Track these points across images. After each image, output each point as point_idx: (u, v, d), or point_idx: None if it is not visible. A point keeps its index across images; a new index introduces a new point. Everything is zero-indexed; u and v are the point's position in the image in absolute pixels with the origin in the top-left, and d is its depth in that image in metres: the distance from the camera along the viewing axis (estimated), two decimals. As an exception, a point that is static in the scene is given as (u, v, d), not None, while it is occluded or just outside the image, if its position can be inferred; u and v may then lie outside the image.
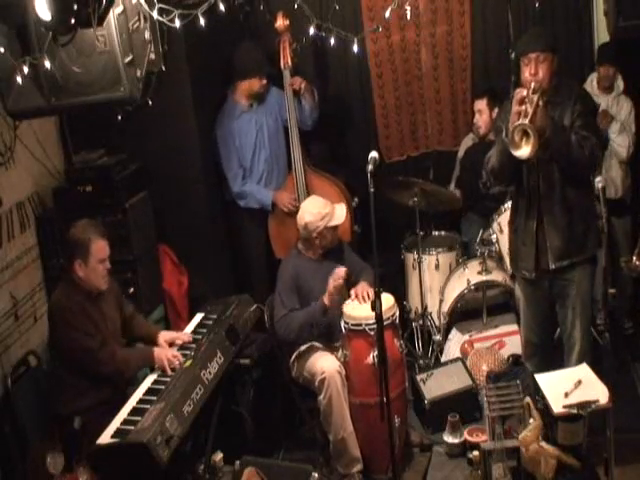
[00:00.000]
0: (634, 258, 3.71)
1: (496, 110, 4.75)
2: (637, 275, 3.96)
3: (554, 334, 4.20)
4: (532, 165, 3.71)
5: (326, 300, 4.00)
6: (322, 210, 4.14)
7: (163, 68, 4.02)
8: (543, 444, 3.41)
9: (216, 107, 5.01)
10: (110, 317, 3.82)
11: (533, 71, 3.60)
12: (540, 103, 3.48)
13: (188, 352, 3.72)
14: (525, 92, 3.50)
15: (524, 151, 3.43)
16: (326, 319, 4.05)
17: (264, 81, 4.89)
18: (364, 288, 4.11)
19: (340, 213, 4.18)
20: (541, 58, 3.61)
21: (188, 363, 3.60)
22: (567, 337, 3.98)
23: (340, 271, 4.02)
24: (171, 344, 3.85)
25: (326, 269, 4.19)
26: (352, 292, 4.14)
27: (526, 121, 3.40)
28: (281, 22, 4.75)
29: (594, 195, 4.12)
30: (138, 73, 3.58)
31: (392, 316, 3.94)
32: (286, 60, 4.80)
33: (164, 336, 3.89)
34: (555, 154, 3.61)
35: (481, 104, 4.87)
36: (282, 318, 4.06)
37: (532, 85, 3.53)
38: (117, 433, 3.18)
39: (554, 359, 4.07)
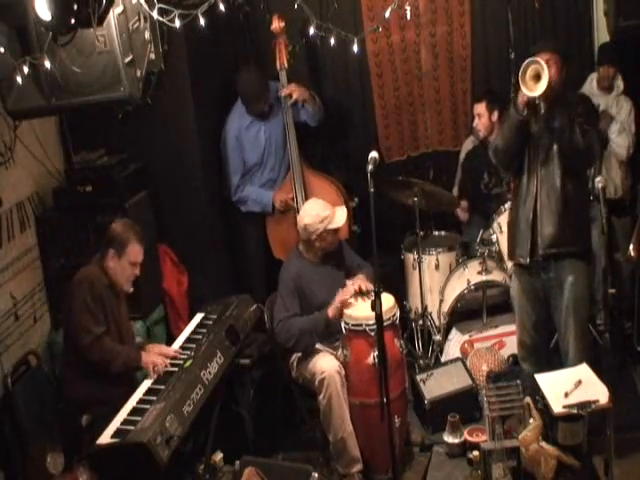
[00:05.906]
0: (631, 248, 3.74)
1: (495, 113, 4.78)
2: (634, 266, 3.97)
3: (551, 339, 4.18)
4: (534, 152, 3.81)
5: (330, 313, 4.00)
6: (322, 213, 4.12)
7: (163, 68, 4.03)
8: (543, 444, 3.42)
9: (216, 107, 5.01)
10: (124, 320, 3.88)
11: None
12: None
13: (188, 352, 3.73)
14: None
15: (540, 87, 3.52)
16: (327, 330, 4.06)
17: (267, 104, 4.92)
18: (361, 281, 4.10)
19: (340, 216, 4.17)
20: (552, 61, 3.69)
21: (188, 363, 3.60)
22: (561, 340, 3.96)
23: (350, 288, 4.02)
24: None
25: (326, 272, 4.21)
26: (347, 283, 4.12)
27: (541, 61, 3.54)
28: (277, 24, 4.77)
29: (591, 197, 4.16)
30: (138, 73, 3.59)
31: (392, 316, 3.94)
32: (282, 62, 4.83)
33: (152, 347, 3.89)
34: (558, 130, 3.70)
35: (480, 107, 4.86)
36: (282, 322, 4.05)
37: None
38: (117, 433, 3.18)
39: (551, 363, 4.01)
